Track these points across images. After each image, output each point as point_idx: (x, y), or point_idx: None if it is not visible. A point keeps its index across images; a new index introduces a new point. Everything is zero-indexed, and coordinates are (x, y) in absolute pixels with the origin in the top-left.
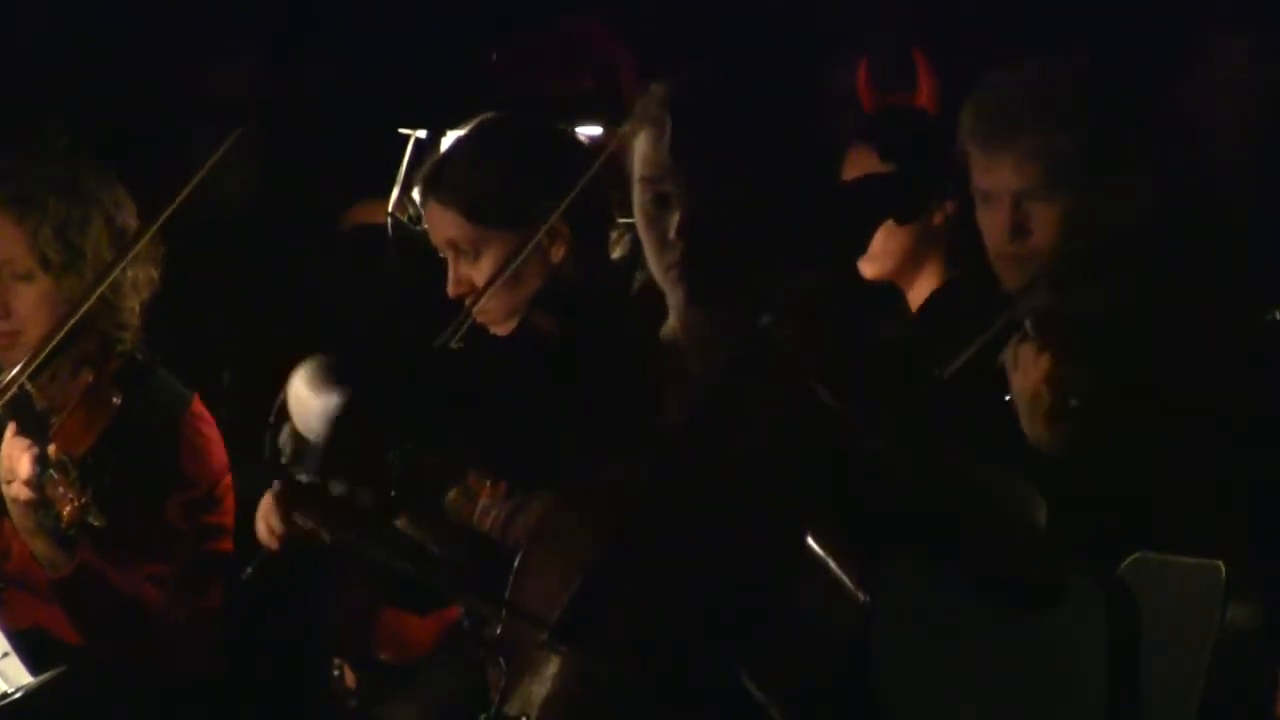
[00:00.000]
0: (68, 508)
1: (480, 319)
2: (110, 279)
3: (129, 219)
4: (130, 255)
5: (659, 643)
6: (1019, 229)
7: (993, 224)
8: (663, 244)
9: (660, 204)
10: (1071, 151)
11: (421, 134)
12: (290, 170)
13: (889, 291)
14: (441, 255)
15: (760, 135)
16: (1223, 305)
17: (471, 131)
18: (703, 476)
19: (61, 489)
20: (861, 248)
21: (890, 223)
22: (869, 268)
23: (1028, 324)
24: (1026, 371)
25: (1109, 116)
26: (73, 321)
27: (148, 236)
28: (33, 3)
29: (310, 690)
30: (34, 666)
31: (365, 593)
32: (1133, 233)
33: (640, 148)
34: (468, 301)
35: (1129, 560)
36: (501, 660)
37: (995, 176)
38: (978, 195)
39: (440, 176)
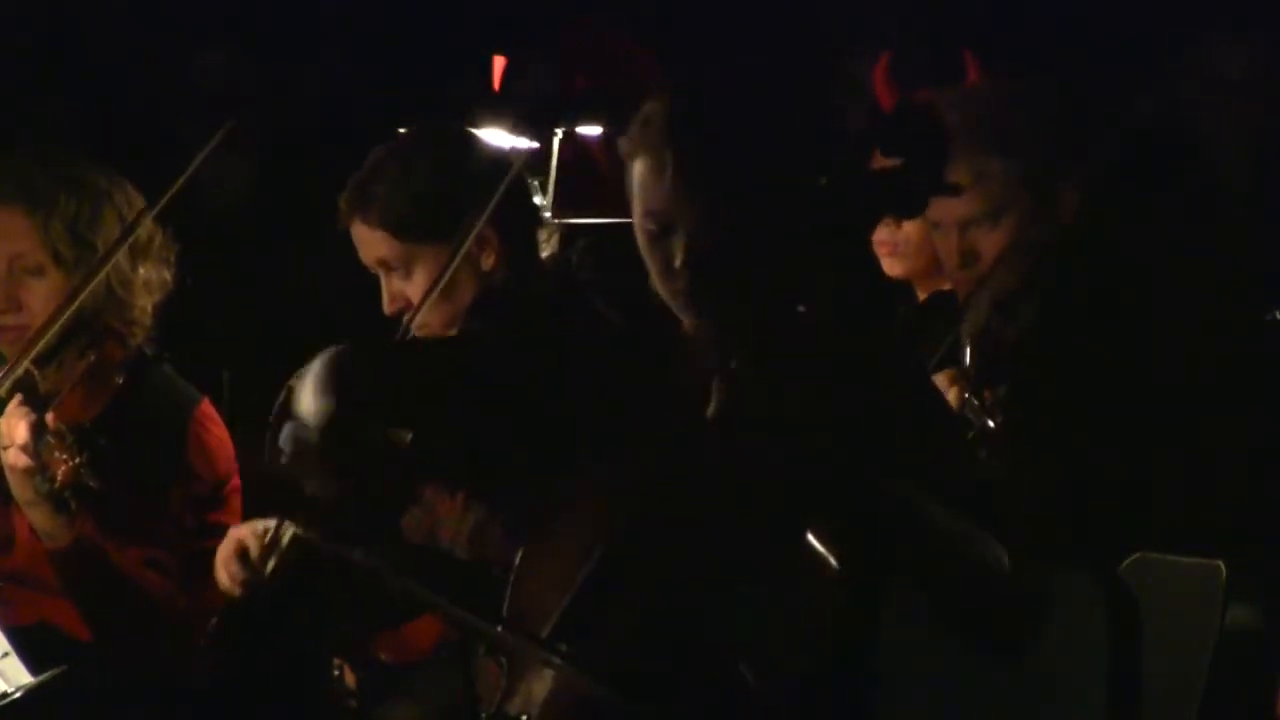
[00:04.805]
0: (62, 468)
1: (419, 333)
2: (111, 262)
3: None
4: (127, 242)
5: (655, 643)
6: (968, 255)
7: (945, 251)
8: (667, 269)
9: (663, 231)
10: (1007, 175)
11: None
12: (290, 169)
13: (901, 290)
14: (373, 273)
15: (766, 158)
16: (1223, 306)
17: (391, 148)
18: (706, 479)
19: (57, 453)
20: (862, 244)
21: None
22: (897, 265)
23: (967, 345)
24: None
25: (1039, 136)
26: (78, 301)
27: (144, 225)
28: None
29: (310, 690)
30: (36, 664)
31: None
32: (1063, 249)
33: (639, 174)
34: (405, 317)
35: (1129, 560)
36: (503, 660)
37: (940, 206)
38: (929, 223)
39: (363, 196)
